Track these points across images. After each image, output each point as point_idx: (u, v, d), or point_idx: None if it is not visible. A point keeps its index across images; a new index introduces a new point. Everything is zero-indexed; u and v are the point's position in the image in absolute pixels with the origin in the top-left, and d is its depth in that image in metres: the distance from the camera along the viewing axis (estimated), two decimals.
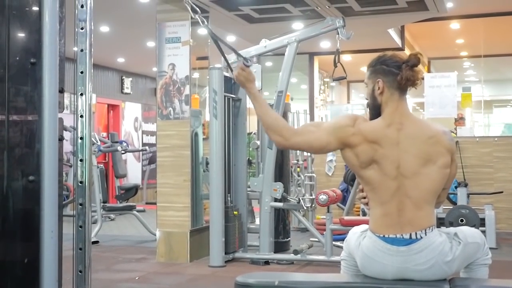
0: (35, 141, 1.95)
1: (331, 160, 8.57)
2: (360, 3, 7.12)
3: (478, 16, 9.12)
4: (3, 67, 1.92)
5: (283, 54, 6.16)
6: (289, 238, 6.82)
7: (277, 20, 7.77)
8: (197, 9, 3.29)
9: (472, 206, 7.00)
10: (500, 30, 10.11)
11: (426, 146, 2.62)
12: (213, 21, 6.99)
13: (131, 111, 13.60)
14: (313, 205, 7.40)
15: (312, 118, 10.28)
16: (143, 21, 7.85)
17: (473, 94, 10.15)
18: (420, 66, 2.74)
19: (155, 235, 6.53)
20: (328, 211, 6.02)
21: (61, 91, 1.99)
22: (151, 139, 13.60)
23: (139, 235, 8.11)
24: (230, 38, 9.10)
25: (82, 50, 2.11)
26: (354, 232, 2.82)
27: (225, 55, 3.02)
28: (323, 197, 5.92)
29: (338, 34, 5.86)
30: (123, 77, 13.28)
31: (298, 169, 8.30)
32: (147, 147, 11.92)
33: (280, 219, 6.63)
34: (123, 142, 10.49)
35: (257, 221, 7.15)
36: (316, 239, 6.35)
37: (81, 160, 2.10)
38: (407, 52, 10.23)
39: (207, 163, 6.30)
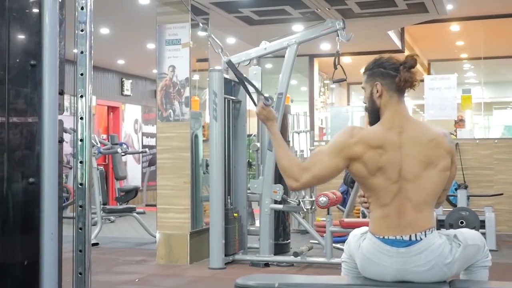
0: (35, 143, 1.95)
1: None
2: (360, 5, 7.12)
3: (478, 18, 9.13)
4: (3, 69, 1.92)
5: (283, 56, 6.16)
6: (289, 240, 6.82)
7: (277, 22, 7.78)
8: (220, 44, 3.31)
9: (472, 208, 7.00)
10: (500, 32, 10.12)
11: (428, 149, 2.63)
12: (213, 23, 7.00)
13: (131, 113, 13.60)
14: (313, 207, 7.39)
15: (312, 120, 10.28)
16: (143, 23, 7.86)
17: (473, 96, 10.17)
18: (417, 67, 2.74)
19: (155, 237, 6.53)
20: (328, 213, 6.02)
21: (61, 93, 1.99)
22: (151, 141, 13.60)
23: (139, 237, 8.10)
24: (230, 40, 9.11)
25: (82, 52, 2.11)
26: (354, 234, 2.82)
27: (253, 88, 3.06)
28: (323, 199, 5.92)
29: (338, 36, 5.87)
30: (123, 79, 13.28)
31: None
32: (147, 149, 11.93)
33: (280, 221, 6.63)
34: (123, 144, 10.48)
35: (257, 223, 7.15)
36: (316, 241, 6.35)
37: (81, 162, 2.10)
38: (407, 53, 10.25)
39: (207, 165, 6.30)
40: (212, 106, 6.02)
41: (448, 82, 8.54)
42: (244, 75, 3.48)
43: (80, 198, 2.11)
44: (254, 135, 8.76)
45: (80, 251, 2.09)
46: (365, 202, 2.71)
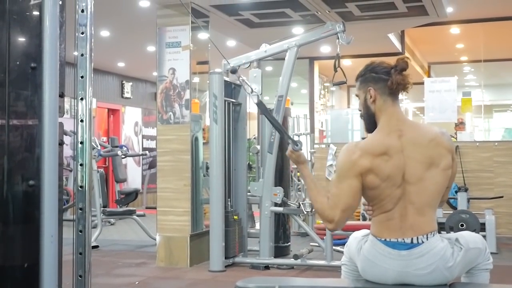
0: (35, 145, 1.95)
1: (331, 165, 8.56)
2: (360, 8, 7.13)
3: (478, 21, 9.13)
4: (3, 72, 1.92)
5: (283, 59, 6.16)
6: (289, 243, 6.82)
7: (277, 25, 7.78)
8: (250, 86, 3.33)
9: (472, 211, 6.99)
10: (500, 34, 10.12)
11: (428, 149, 2.62)
12: (213, 26, 7.01)
13: (131, 115, 13.61)
14: (313, 210, 7.39)
15: (312, 123, 10.28)
16: (143, 25, 7.87)
17: (473, 98, 10.16)
18: (409, 70, 2.73)
19: (155, 239, 6.53)
20: None
21: (61, 95, 1.99)
22: (151, 144, 13.60)
23: (139, 240, 8.10)
24: (231, 43, 9.12)
25: (82, 55, 2.11)
26: (355, 237, 2.82)
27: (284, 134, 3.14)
28: None
29: (338, 39, 5.87)
30: (123, 82, 13.29)
31: (298, 173, 8.30)
32: (147, 152, 11.91)
33: (280, 224, 6.62)
34: (123, 147, 10.50)
35: (257, 225, 7.15)
36: (316, 244, 6.35)
37: (81, 165, 2.10)
38: (407, 56, 10.25)
39: (207, 168, 6.30)
40: (212, 109, 6.02)
41: (448, 84, 8.53)
42: (278, 121, 3.58)
43: (80, 200, 2.11)
44: (255, 138, 8.77)
45: (80, 253, 2.09)
46: (369, 210, 2.70)
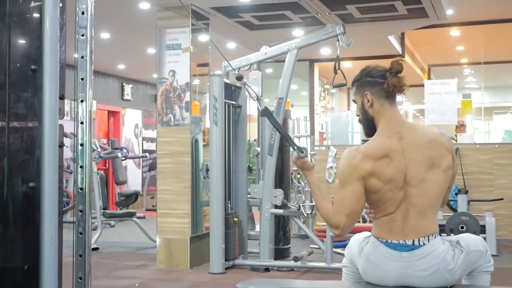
0: (35, 147, 1.95)
1: (331, 167, 8.56)
2: (360, 10, 7.13)
3: (478, 23, 9.14)
4: (3, 74, 1.92)
5: (284, 61, 6.16)
6: (289, 245, 6.81)
7: (277, 27, 7.78)
8: (256, 94, 3.36)
9: (473, 213, 6.99)
10: (500, 37, 10.13)
11: (429, 150, 2.62)
12: (213, 28, 7.01)
13: (132, 117, 13.61)
14: (314, 212, 7.39)
15: (312, 125, 10.28)
16: (143, 27, 7.87)
17: (473, 101, 10.16)
18: (404, 72, 2.74)
19: (155, 241, 6.52)
20: None
21: (62, 97, 1.99)
22: (152, 146, 13.60)
23: (139, 242, 8.10)
24: (231, 45, 9.12)
25: (82, 57, 2.11)
26: (356, 239, 2.82)
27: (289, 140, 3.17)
28: None
29: (338, 41, 5.87)
30: (124, 84, 13.29)
31: (298, 175, 8.30)
32: (147, 154, 11.93)
33: (280, 226, 6.62)
34: (123, 149, 10.49)
35: (257, 228, 7.14)
36: (317, 246, 6.34)
37: (81, 167, 2.10)
38: (407, 58, 10.27)
39: (207, 170, 6.30)
40: (212, 111, 6.02)
41: (448, 87, 8.54)
42: (282, 126, 3.63)
43: (80, 202, 2.11)
44: (255, 140, 8.77)
45: (80, 255, 2.09)
46: (371, 213, 2.70)
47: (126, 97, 13.36)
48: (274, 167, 6.07)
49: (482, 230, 6.59)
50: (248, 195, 6.41)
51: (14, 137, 1.95)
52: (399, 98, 2.79)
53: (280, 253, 6.49)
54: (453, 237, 2.75)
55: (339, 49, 5.86)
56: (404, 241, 2.58)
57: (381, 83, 2.69)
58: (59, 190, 1.97)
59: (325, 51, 9.75)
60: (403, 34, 9.72)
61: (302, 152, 2.90)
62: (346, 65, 10.13)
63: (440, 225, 6.62)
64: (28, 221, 1.95)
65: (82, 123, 2.11)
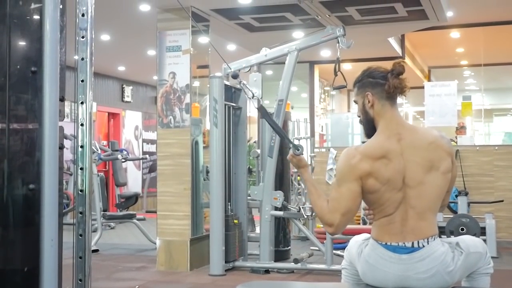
0: (36, 149, 1.95)
1: (331, 169, 8.56)
2: (360, 12, 7.13)
3: (478, 25, 9.14)
4: (4, 76, 1.93)
5: (284, 63, 6.17)
6: (289, 247, 6.81)
7: (277, 29, 7.79)
8: (252, 91, 3.35)
9: (473, 215, 6.99)
10: (500, 39, 10.13)
11: (428, 152, 2.62)
12: (213, 30, 7.01)
13: (132, 119, 13.61)
14: (314, 214, 7.39)
15: (312, 127, 10.28)
16: (143, 29, 7.87)
17: (473, 103, 10.16)
18: (406, 74, 2.74)
19: (155, 243, 6.52)
20: None
21: (62, 99, 1.99)
22: (152, 148, 13.60)
23: (139, 244, 8.10)
24: (231, 47, 9.12)
25: (82, 59, 2.11)
26: (356, 241, 2.82)
27: (285, 138, 3.14)
28: None
29: (339, 43, 5.87)
30: (124, 86, 13.29)
31: (299, 177, 8.30)
32: (147, 156, 11.94)
33: (281, 228, 6.62)
34: (124, 151, 10.49)
35: (257, 229, 7.14)
36: (317, 248, 6.34)
37: (81, 169, 2.10)
38: (408, 60, 10.27)
39: (207, 172, 6.30)
40: (212, 113, 6.02)
41: (449, 88, 8.54)
42: (278, 124, 3.58)
43: (80, 204, 2.11)
44: (255, 142, 8.77)
45: (80, 257, 2.09)
46: (370, 214, 2.70)
47: (126, 99, 13.37)
48: (274, 169, 6.07)
49: (482, 232, 6.59)
50: (248, 197, 6.41)
51: (14, 139, 1.95)
52: (399, 100, 2.79)
53: (280, 255, 6.50)
54: (452, 239, 2.75)
55: (339, 51, 5.86)
56: (404, 243, 2.58)
57: (382, 84, 2.69)
58: (59, 192, 1.97)
59: (325, 53, 9.75)
60: (403, 36, 9.72)
61: (298, 150, 2.89)
62: (346, 67, 10.14)
63: (440, 227, 6.64)
64: (28, 223, 1.95)
65: (82, 125, 2.11)
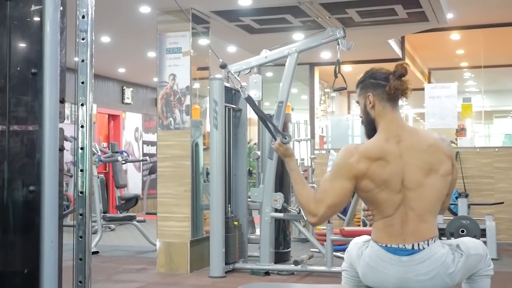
0: (36, 151, 1.95)
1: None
2: (361, 14, 7.13)
3: (478, 27, 9.14)
4: (4, 77, 1.93)
5: (284, 65, 6.17)
6: (289, 249, 6.81)
7: (277, 30, 7.79)
8: (240, 81, 3.33)
9: (473, 216, 6.99)
10: (500, 41, 10.13)
11: (427, 155, 2.62)
12: (214, 31, 7.01)
13: (132, 121, 13.61)
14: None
15: (312, 129, 10.29)
16: (144, 31, 7.87)
17: (473, 104, 10.16)
18: (408, 76, 2.73)
19: (155, 245, 6.52)
20: (328, 222, 6.01)
21: (62, 101, 1.99)
22: (152, 149, 13.60)
23: (139, 246, 8.09)
24: (231, 49, 9.13)
25: (83, 61, 2.12)
26: (356, 243, 2.82)
27: (272, 126, 3.10)
28: None
29: (339, 44, 5.88)
30: (124, 87, 13.30)
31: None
32: (147, 157, 11.92)
33: (281, 230, 6.62)
34: (124, 152, 10.49)
35: (258, 231, 7.14)
36: (317, 250, 6.34)
37: (81, 170, 2.10)
38: (408, 62, 10.27)
39: (207, 173, 6.30)
40: (212, 115, 6.03)
41: (449, 90, 8.54)
42: (265, 113, 3.54)
43: (80, 206, 2.11)
44: (255, 144, 8.77)
45: (80, 259, 2.09)
46: (370, 215, 2.70)
47: (126, 100, 13.37)
48: (274, 171, 6.07)
49: (482, 233, 6.59)
50: (248, 199, 6.41)
51: (14, 141, 1.95)
52: (400, 101, 2.78)
53: (280, 257, 6.49)
54: (453, 240, 2.75)
55: (339, 52, 5.87)
56: (404, 245, 2.58)
57: (383, 86, 2.69)
58: (59, 193, 1.97)
59: (326, 55, 9.76)
60: (403, 38, 9.73)
61: (286, 138, 2.87)
62: (346, 68, 10.15)
63: (440, 229, 6.63)
64: (28, 225, 1.95)
65: (82, 126, 2.11)
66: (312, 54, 8.92)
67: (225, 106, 6.14)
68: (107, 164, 11.47)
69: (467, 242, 2.73)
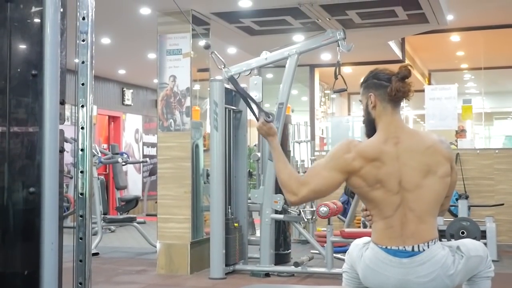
0: (36, 152, 1.95)
1: None
2: (361, 15, 7.14)
3: (478, 29, 9.14)
4: (4, 79, 1.93)
5: (284, 66, 6.17)
6: (289, 250, 6.81)
7: (278, 32, 7.79)
8: (223, 60, 3.32)
9: (473, 218, 6.99)
10: (500, 42, 10.13)
11: (425, 157, 2.62)
12: (214, 33, 7.01)
13: (132, 122, 13.61)
14: (314, 217, 7.38)
15: (312, 130, 10.28)
16: (144, 33, 7.88)
17: (473, 106, 10.16)
18: (412, 78, 2.73)
19: (155, 247, 6.52)
20: (328, 223, 6.01)
21: (62, 102, 1.99)
22: (152, 151, 13.60)
23: (140, 247, 8.09)
24: (231, 50, 9.13)
25: (83, 62, 2.12)
26: (356, 244, 2.81)
27: (254, 105, 3.05)
28: (323, 209, 5.90)
29: (339, 46, 5.88)
30: (124, 89, 13.30)
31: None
32: (147, 159, 11.92)
33: (281, 231, 6.61)
34: (124, 154, 10.49)
35: (258, 233, 7.14)
36: (317, 251, 6.33)
37: (81, 172, 2.10)
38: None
39: (207, 175, 6.30)
40: (213, 116, 6.03)
41: (449, 92, 8.54)
42: (246, 91, 3.49)
43: (80, 207, 2.11)
44: (255, 145, 8.76)
45: (81, 261, 2.09)
46: (368, 216, 2.70)
47: (126, 102, 13.37)
48: (274, 172, 6.06)
49: (482, 235, 6.59)
50: (249, 200, 6.41)
51: (14, 142, 1.95)
52: (400, 103, 2.78)
53: (281, 258, 6.49)
54: (453, 242, 2.75)
55: (339, 54, 5.87)
56: (404, 247, 2.57)
57: (385, 86, 2.69)
58: (59, 195, 1.97)
59: (326, 57, 9.76)
60: (403, 39, 9.73)
61: (269, 117, 2.82)
62: (346, 70, 10.16)
63: (440, 230, 6.64)
64: (29, 226, 1.95)
65: (82, 128, 2.11)
66: (312, 55, 8.92)
67: (226, 108, 6.14)
68: (107, 165, 11.46)
69: (468, 244, 2.73)
